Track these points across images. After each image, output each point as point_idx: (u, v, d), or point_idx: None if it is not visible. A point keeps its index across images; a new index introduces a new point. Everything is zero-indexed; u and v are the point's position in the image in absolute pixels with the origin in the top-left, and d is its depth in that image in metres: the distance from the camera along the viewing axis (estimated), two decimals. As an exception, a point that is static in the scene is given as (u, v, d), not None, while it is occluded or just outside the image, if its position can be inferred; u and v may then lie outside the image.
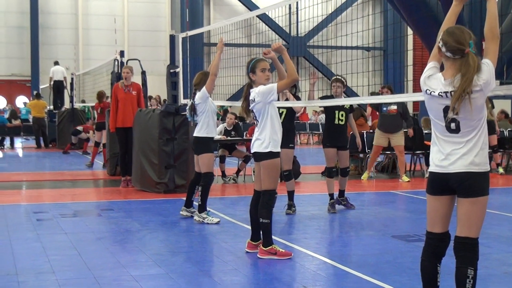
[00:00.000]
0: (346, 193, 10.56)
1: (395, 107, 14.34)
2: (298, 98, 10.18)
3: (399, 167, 14.86)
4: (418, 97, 8.84)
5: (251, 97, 7.06)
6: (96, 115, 18.75)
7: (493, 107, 16.10)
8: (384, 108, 14.44)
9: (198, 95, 9.06)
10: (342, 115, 10.14)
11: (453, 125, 4.44)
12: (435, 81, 4.49)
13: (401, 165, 14.70)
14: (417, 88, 27.69)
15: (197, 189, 9.41)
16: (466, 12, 20.83)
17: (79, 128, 22.53)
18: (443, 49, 4.46)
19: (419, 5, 20.33)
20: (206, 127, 9.13)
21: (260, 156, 7.02)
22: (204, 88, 8.99)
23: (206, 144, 9.17)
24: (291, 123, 10.05)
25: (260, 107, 6.98)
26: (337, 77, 10.38)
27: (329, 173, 10.40)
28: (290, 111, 9.92)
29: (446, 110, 4.44)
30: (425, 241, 4.69)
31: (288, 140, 9.63)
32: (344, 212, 10.21)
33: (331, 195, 10.28)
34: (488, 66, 4.39)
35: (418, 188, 13.01)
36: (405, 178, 14.39)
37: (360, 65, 29.73)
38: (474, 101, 4.33)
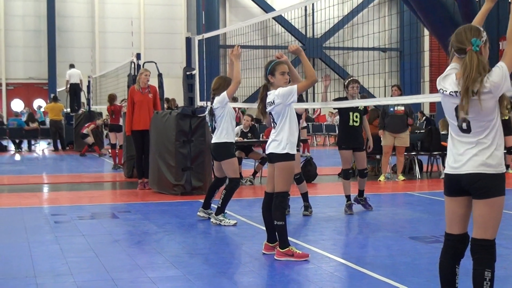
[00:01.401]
0: (365, 194, 10.55)
1: (402, 107, 14.47)
2: (301, 100, 10.19)
3: (397, 167, 15.07)
4: (435, 98, 8.82)
5: (269, 99, 7.06)
6: (109, 117, 18.98)
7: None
8: (391, 109, 14.53)
9: (217, 99, 9.03)
10: (356, 117, 10.08)
11: (464, 125, 4.43)
12: (449, 80, 4.51)
13: (400, 164, 15.00)
14: (433, 89, 27.58)
15: (217, 192, 9.42)
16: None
17: (85, 131, 22.75)
18: (452, 50, 4.51)
19: (435, 6, 20.26)
20: (226, 132, 9.08)
21: (276, 158, 7.02)
22: (224, 93, 8.92)
23: (227, 149, 9.14)
24: (297, 126, 10.09)
25: (280, 109, 6.99)
26: (353, 78, 10.34)
27: (344, 175, 10.33)
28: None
29: (457, 109, 4.44)
30: (444, 242, 4.68)
31: None
32: (361, 213, 10.19)
33: (348, 197, 10.23)
34: (501, 69, 4.35)
35: (435, 189, 12.96)
36: (400, 177, 14.73)
37: (376, 66, 29.73)
38: (484, 102, 4.31)
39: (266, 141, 15.18)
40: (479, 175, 4.39)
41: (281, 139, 6.99)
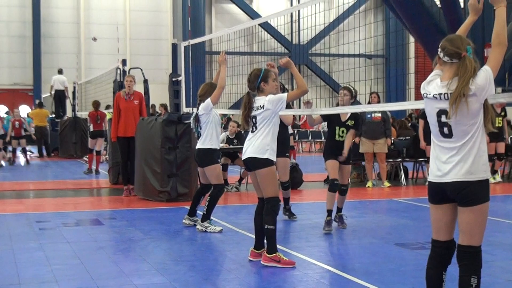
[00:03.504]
0: (350, 201, 10.51)
1: (379, 114, 14.56)
2: (288, 106, 10.12)
3: (381, 174, 15.14)
4: (420, 105, 8.82)
5: (258, 104, 7.07)
6: (92, 123, 19.22)
7: (505, 115, 16.08)
8: (369, 115, 14.59)
9: (202, 105, 9.04)
10: (342, 132, 9.45)
11: (445, 130, 4.46)
12: (433, 84, 4.56)
13: (383, 171, 15.07)
14: (419, 96, 27.70)
15: (202, 199, 9.42)
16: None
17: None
18: (441, 55, 4.53)
19: (421, 13, 20.34)
20: (210, 138, 9.10)
21: (257, 163, 7.00)
22: (209, 99, 8.94)
23: (211, 156, 9.14)
24: (286, 132, 10.22)
25: (267, 115, 7.01)
26: (346, 85, 10.18)
27: (331, 186, 9.33)
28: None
29: (439, 113, 4.47)
30: (431, 249, 4.69)
31: (284, 149, 9.91)
32: (347, 220, 10.15)
33: (329, 212, 9.31)
34: (486, 72, 4.40)
35: (421, 196, 12.99)
36: (386, 184, 14.80)
37: (362, 73, 29.75)
38: (470, 104, 4.35)
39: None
40: (464, 183, 4.40)
41: (263, 145, 6.99)
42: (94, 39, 35.71)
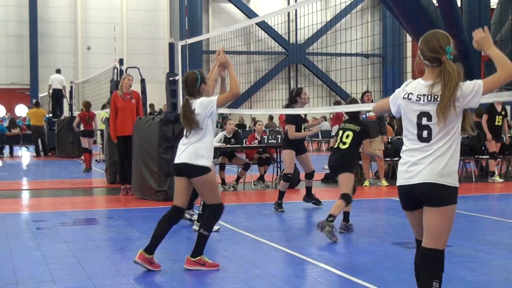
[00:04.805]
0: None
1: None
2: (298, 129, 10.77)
3: (379, 172, 15.21)
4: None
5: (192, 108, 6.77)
6: (83, 123, 19.84)
7: (506, 114, 16.07)
8: (364, 115, 14.57)
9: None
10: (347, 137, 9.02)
11: (425, 133, 4.38)
12: (414, 84, 4.49)
13: (381, 169, 15.12)
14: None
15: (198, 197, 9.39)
16: (465, 19, 20.84)
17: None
18: (422, 58, 4.45)
19: (418, 12, 20.34)
20: None
21: (193, 170, 6.66)
22: (215, 99, 8.89)
23: None
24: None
25: (200, 119, 6.68)
26: (354, 98, 10.69)
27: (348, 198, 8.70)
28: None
29: (420, 116, 4.39)
30: (416, 248, 4.67)
31: (303, 147, 11.33)
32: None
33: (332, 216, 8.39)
34: (475, 84, 4.30)
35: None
36: (384, 183, 14.83)
37: (359, 72, 29.80)
38: (456, 109, 4.30)
39: (250, 147, 15.20)
40: (434, 185, 4.32)
41: (201, 150, 6.66)
42: (88, 48, 35.87)
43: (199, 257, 6.80)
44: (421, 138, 4.40)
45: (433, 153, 4.34)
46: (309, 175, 11.24)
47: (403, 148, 4.53)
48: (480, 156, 16.07)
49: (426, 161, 4.34)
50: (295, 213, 10.80)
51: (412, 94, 4.44)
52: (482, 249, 7.70)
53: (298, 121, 11.04)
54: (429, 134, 4.36)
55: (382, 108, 4.95)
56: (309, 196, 11.43)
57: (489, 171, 15.95)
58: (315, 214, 10.68)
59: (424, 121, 4.37)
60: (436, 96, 4.32)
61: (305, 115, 11.53)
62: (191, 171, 6.68)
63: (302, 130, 11.07)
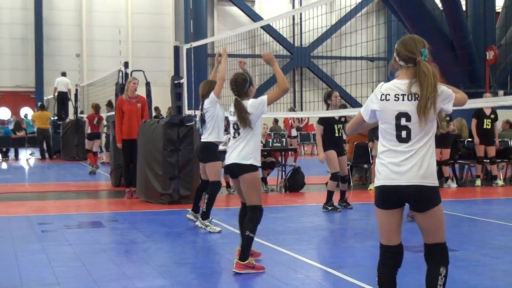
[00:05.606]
0: (352, 204, 11.25)
1: None
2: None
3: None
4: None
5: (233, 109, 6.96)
6: (90, 125, 20.01)
7: (496, 118, 16.02)
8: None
9: (207, 101, 9.10)
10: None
11: (404, 133, 4.41)
12: (389, 85, 4.51)
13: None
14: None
15: (203, 196, 9.41)
16: (470, 23, 20.84)
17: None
18: (397, 58, 4.53)
19: (422, 16, 20.37)
20: (215, 132, 9.18)
21: (241, 169, 6.83)
22: (212, 93, 8.99)
23: (213, 151, 9.22)
24: (339, 133, 11.39)
25: (252, 119, 6.84)
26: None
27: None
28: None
29: (399, 116, 4.41)
30: (381, 255, 4.74)
31: (342, 150, 11.53)
32: (349, 222, 10.19)
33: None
34: (450, 94, 4.45)
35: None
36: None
37: (364, 76, 29.76)
38: (436, 108, 4.38)
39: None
40: (419, 187, 4.39)
41: (248, 150, 6.83)
42: (77, 55, 36.16)
43: (247, 261, 6.81)
44: (400, 139, 4.44)
45: (415, 154, 4.39)
46: (343, 179, 11.54)
47: (382, 149, 4.57)
48: (484, 160, 16.03)
49: (410, 163, 4.39)
50: (300, 217, 10.79)
51: (389, 94, 4.47)
52: (487, 253, 7.69)
53: (327, 122, 11.24)
54: (408, 134, 4.40)
55: (355, 124, 4.98)
56: (343, 200, 11.67)
57: (493, 175, 15.94)
58: (319, 217, 10.67)
59: (403, 121, 4.40)
60: (417, 95, 4.37)
61: (340, 116, 11.50)
62: (240, 169, 6.84)
63: (336, 131, 11.30)
